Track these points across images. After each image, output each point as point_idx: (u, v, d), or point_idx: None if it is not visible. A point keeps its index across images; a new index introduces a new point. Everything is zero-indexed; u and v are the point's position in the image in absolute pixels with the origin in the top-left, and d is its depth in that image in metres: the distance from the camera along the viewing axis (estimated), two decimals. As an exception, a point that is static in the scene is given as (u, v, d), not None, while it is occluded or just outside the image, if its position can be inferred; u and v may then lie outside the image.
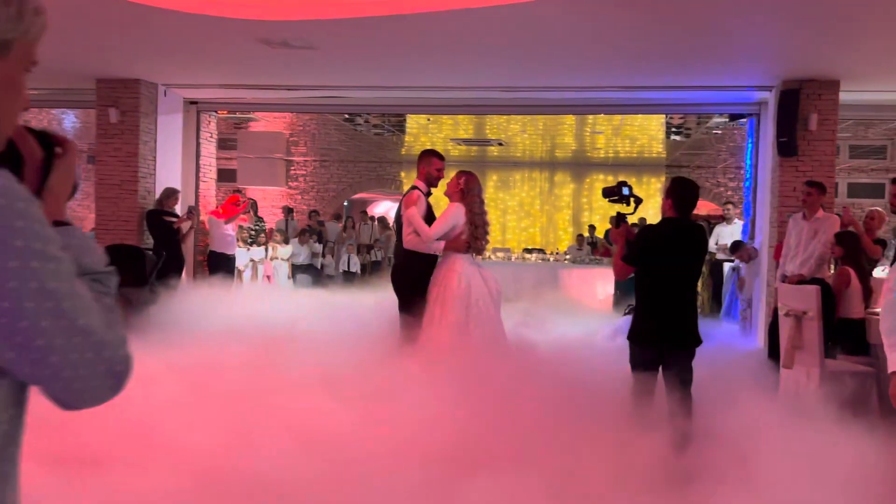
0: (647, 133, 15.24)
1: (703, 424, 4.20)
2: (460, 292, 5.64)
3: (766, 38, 6.76)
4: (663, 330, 4.44)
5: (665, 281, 4.45)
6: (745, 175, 9.22)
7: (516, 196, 18.14)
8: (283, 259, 12.73)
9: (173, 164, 10.06)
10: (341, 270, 14.28)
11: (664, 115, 14.38)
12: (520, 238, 17.78)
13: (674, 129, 15.49)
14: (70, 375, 1.04)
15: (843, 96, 7.79)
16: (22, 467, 1.13)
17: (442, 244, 5.76)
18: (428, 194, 6.03)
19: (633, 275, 4.64)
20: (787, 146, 7.72)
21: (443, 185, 6.20)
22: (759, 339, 8.38)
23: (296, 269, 13.24)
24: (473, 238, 5.79)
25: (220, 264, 10.44)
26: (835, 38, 6.62)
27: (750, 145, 9.19)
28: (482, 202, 5.93)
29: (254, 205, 11.74)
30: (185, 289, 9.60)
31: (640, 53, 7.23)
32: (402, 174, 18.85)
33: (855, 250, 6.15)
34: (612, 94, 9.07)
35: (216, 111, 10.80)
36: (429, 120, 13.65)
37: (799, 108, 7.68)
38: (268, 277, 12.20)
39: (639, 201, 4.89)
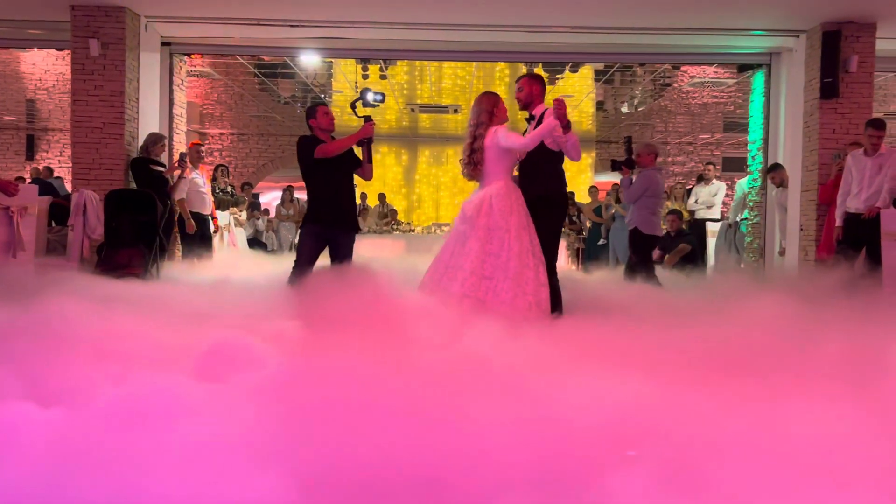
0: (578, 108, 15.38)
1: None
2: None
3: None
4: None
5: None
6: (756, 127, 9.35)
7: (449, 172, 17.75)
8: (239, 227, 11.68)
9: (152, 109, 8.90)
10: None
11: (594, 92, 14.59)
12: (455, 213, 17.43)
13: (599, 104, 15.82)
14: None
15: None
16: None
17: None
18: None
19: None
20: (831, 87, 7.89)
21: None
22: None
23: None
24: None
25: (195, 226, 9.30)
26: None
27: (760, 97, 9.34)
28: (476, 124, 5.01)
29: (225, 170, 10.59)
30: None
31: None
32: (329, 148, 17.95)
33: None
34: (601, 40, 8.90)
35: (189, 54, 9.67)
36: (365, 76, 12.86)
37: (840, 50, 7.87)
38: (234, 245, 11.11)
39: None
